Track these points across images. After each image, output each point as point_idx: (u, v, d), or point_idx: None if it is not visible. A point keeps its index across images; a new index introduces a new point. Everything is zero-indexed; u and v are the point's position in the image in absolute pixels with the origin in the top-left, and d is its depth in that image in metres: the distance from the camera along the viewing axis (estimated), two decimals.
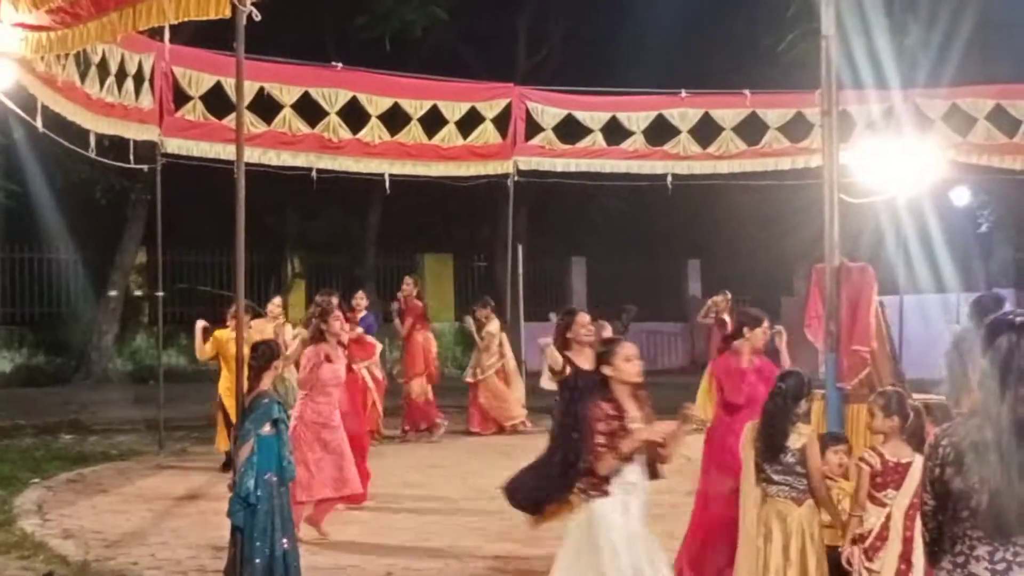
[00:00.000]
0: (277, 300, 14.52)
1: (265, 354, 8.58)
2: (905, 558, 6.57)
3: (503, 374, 18.19)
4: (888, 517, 6.70)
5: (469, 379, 18.08)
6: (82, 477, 13.97)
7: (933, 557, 4.10)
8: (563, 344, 9.90)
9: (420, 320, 17.47)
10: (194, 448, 16.01)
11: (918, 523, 6.44)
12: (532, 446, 16.26)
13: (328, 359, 10.55)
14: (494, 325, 18.19)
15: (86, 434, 17.46)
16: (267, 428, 8.28)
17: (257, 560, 8.18)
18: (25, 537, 10.50)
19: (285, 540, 8.35)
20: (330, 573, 9.30)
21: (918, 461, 6.59)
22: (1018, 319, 3.99)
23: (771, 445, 7.02)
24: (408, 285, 17.81)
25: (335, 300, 12.31)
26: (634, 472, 6.54)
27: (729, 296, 19.29)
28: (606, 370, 6.75)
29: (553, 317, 18.47)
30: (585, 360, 9.76)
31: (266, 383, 8.47)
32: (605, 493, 6.52)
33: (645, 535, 6.64)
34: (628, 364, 6.73)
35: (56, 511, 11.79)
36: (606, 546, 6.49)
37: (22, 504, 12.03)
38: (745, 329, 9.52)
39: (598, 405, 6.64)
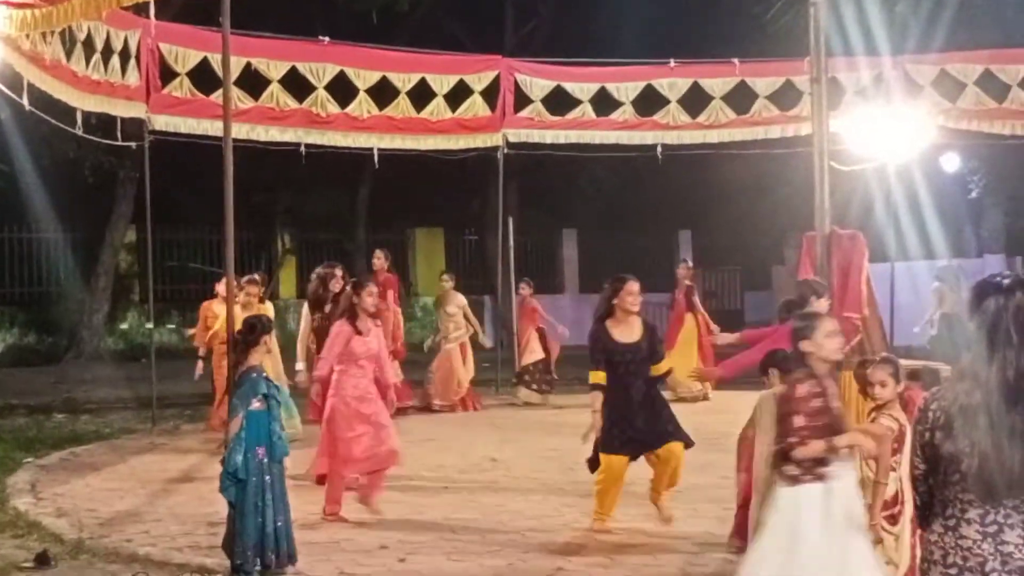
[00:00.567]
0: (256, 277, 14.25)
1: (255, 329, 8.58)
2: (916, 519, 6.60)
3: (464, 349, 17.87)
4: (901, 480, 6.74)
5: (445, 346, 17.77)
6: (75, 456, 13.94)
7: (924, 521, 4.11)
8: (607, 311, 9.71)
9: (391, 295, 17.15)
10: (187, 426, 15.99)
11: None
12: (522, 418, 16.45)
13: (358, 332, 10.36)
14: (460, 299, 17.95)
15: (78, 413, 17.43)
16: (256, 403, 8.31)
17: (249, 535, 8.21)
18: (19, 516, 10.48)
19: (278, 516, 8.38)
20: (324, 548, 9.29)
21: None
22: (1005, 281, 4.00)
23: None
24: (380, 259, 17.15)
25: (339, 272, 12.16)
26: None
27: (691, 265, 19.36)
28: (806, 346, 6.37)
29: (523, 288, 18.46)
30: (625, 331, 9.68)
31: (255, 359, 8.48)
32: (819, 477, 6.20)
33: (848, 523, 6.26)
34: (830, 340, 6.40)
35: (49, 490, 11.76)
36: (791, 533, 6.25)
37: (15, 483, 12.00)
38: (812, 298, 9.44)
39: (799, 383, 6.30)
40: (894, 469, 6.79)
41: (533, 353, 18.54)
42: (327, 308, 12.05)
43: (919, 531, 6.52)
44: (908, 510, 6.70)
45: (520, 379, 18.66)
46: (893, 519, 6.81)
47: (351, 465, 10.35)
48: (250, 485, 8.24)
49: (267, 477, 8.34)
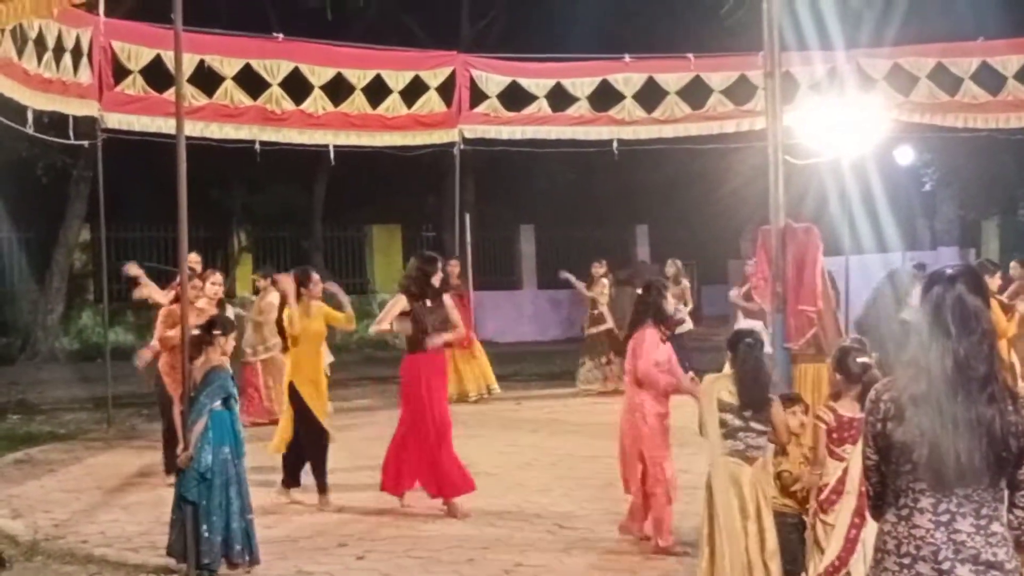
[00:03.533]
0: (217, 278, 13.25)
1: (214, 328, 8.60)
2: (860, 512, 6.61)
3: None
4: (845, 471, 6.75)
5: (250, 359, 16.31)
6: (30, 457, 13.86)
7: (877, 511, 4.14)
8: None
9: None
10: (143, 426, 15.88)
11: None
12: (479, 413, 16.41)
13: (664, 339, 9.06)
14: (274, 296, 15.72)
15: (33, 414, 17.32)
16: (218, 404, 8.33)
17: (215, 535, 8.22)
18: None
19: (243, 514, 8.38)
20: (282, 545, 9.27)
21: None
22: (949, 271, 4.05)
23: (756, 399, 7.05)
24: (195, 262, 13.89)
25: (441, 263, 10.95)
26: None
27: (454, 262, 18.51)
28: None
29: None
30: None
31: (215, 358, 8.48)
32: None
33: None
34: None
35: (4, 491, 11.71)
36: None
37: None
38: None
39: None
40: (843, 459, 6.79)
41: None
42: (427, 303, 10.63)
43: (859, 520, 6.64)
44: (849, 501, 6.72)
45: None
46: (822, 507, 6.83)
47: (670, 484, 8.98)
48: (216, 484, 8.26)
49: (231, 476, 8.36)
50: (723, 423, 7.10)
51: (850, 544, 6.68)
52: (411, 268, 10.90)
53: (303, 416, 10.93)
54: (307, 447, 10.94)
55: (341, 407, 16.08)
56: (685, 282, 19.72)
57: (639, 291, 9.37)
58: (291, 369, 11.21)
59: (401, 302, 10.53)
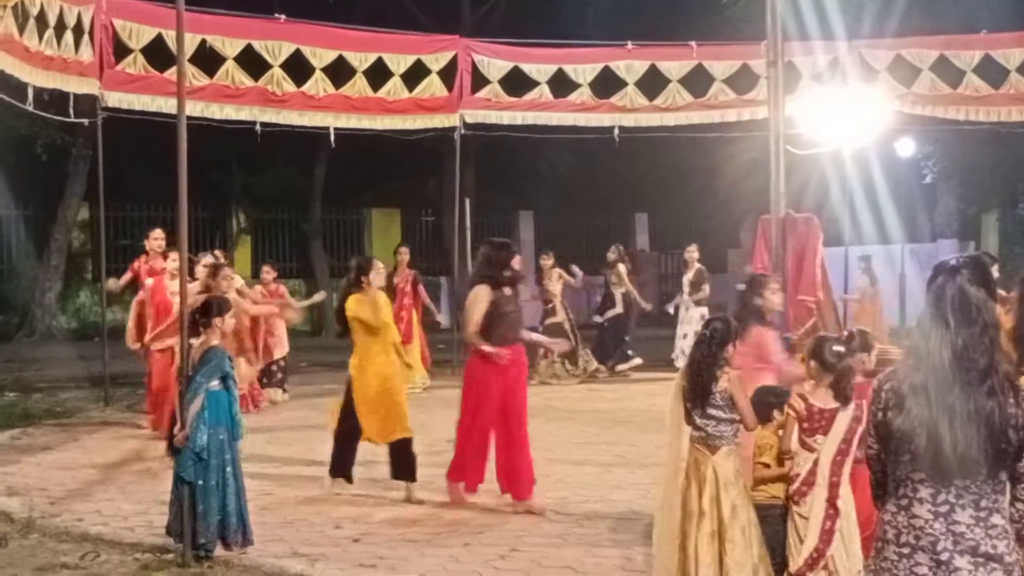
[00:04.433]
0: (208, 260, 13.21)
1: (210, 310, 8.57)
2: (832, 502, 6.63)
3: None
4: (815, 463, 6.73)
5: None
6: (26, 435, 13.86)
7: (878, 500, 4.14)
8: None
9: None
10: (140, 405, 15.86)
11: (844, 469, 6.58)
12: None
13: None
14: (237, 282, 15.16)
15: (30, 392, 17.31)
16: (215, 383, 8.30)
17: (211, 516, 8.20)
18: None
19: (238, 496, 8.38)
20: (277, 527, 9.26)
21: (847, 410, 6.69)
22: (953, 262, 4.04)
23: (698, 391, 6.99)
24: (157, 238, 15.02)
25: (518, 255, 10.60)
26: None
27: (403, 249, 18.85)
28: None
29: (267, 272, 15.88)
30: None
31: (214, 339, 8.45)
32: None
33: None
34: None
35: (0, 469, 11.69)
36: None
37: None
38: None
39: None
40: (814, 450, 6.76)
41: (282, 347, 16.79)
42: (507, 291, 10.17)
43: (833, 511, 6.65)
44: (820, 492, 6.69)
45: (271, 380, 16.66)
46: (793, 498, 6.81)
47: None
48: (212, 464, 8.25)
49: (227, 457, 8.36)
50: (687, 411, 7.09)
51: (827, 535, 6.67)
52: (488, 255, 10.24)
53: (348, 401, 10.66)
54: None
55: (335, 391, 16.09)
56: (621, 267, 19.75)
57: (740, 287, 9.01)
58: (353, 360, 10.74)
59: (483, 295, 9.95)
